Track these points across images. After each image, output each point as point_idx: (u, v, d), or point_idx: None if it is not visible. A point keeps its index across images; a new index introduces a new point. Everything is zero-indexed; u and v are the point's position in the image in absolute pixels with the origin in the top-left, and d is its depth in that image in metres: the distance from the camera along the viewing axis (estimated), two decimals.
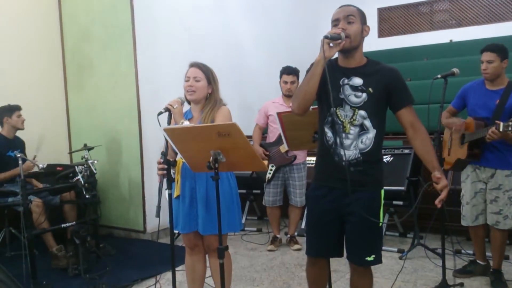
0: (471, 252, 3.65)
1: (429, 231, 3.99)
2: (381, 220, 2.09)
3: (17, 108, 4.01)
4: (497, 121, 2.71)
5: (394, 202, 3.92)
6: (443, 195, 2.00)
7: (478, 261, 3.29)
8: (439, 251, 3.30)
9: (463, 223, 3.21)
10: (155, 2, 4.59)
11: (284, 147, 3.89)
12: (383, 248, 3.93)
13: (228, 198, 2.43)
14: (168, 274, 3.47)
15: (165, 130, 2.09)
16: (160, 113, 2.38)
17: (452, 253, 3.75)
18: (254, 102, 5.61)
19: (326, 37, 1.92)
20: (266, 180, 4.09)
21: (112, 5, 4.53)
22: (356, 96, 2.02)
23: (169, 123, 2.40)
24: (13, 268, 3.10)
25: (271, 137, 4.15)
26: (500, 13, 6.24)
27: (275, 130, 4.04)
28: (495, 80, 3.00)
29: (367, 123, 2.02)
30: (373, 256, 2.09)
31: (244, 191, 4.81)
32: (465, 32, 6.30)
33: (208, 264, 2.68)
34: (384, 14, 7.05)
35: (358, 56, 2.05)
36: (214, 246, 2.48)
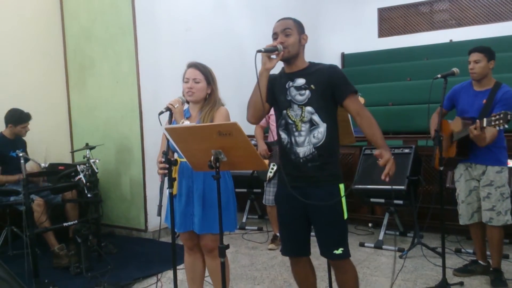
0: (471, 251, 3.66)
1: (429, 230, 4.00)
2: (345, 213, 2.17)
3: (25, 120, 4.00)
4: (478, 120, 2.77)
5: (395, 201, 3.93)
6: (387, 168, 2.07)
7: (479, 261, 3.30)
8: (439, 250, 3.32)
9: (460, 221, 3.25)
10: (156, 2, 4.60)
11: None
12: (383, 247, 3.97)
13: (224, 197, 2.41)
14: (170, 273, 3.48)
15: (167, 129, 2.10)
16: (161, 112, 2.38)
17: (452, 252, 3.77)
18: None
19: (259, 51, 2.06)
20: (268, 179, 4.10)
21: (114, 5, 4.54)
22: (301, 95, 2.17)
23: (170, 122, 2.42)
24: (15, 267, 3.13)
25: (272, 136, 4.16)
26: (500, 12, 6.25)
27: (276, 129, 4.04)
28: (482, 81, 3.07)
29: (316, 118, 2.15)
30: (341, 249, 2.17)
31: (244, 190, 4.83)
32: (465, 32, 6.31)
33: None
34: (384, 14, 7.05)
35: (299, 62, 2.21)
36: (209, 246, 2.50)
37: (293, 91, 2.18)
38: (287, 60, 2.19)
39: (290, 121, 2.19)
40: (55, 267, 3.70)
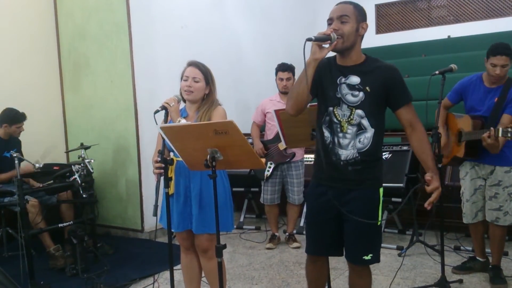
0: (470, 248, 3.64)
1: (428, 228, 3.98)
2: (379, 219, 2.07)
3: (20, 119, 3.96)
4: (492, 128, 2.67)
5: (393, 199, 3.91)
6: (433, 197, 1.97)
7: (477, 257, 3.29)
8: (438, 247, 3.30)
9: (465, 220, 3.20)
10: (151, 0, 4.56)
11: (282, 145, 3.87)
12: (382, 245, 3.93)
13: (221, 197, 2.39)
14: (166, 273, 3.45)
15: (162, 128, 2.07)
16: (157, 111, 2.35)
17: (451, 250, 3.75)
18: (251, 100, 5.59)
19: (309, 39, 1.86)
20: (265, 177, 4.07)
21: (108, 3, 4.49)
22: (353, 95, 1.99)
23: (165, 121, 2.38)
24: (10, 268, 3.08)
25: (269, 135, 4.14)
26: (498, 8, 6.22)
27: (273, 127, 4.02)
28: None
29: (365, 122, 2.00)
30: (371, 255, 2.08)
31: (242, 189, 4.80)
32: (463, 28, 6.28)
33: None
34: (381, 10, 7.02)
35: (355, 54, 2.01)
36: (204, 246, 2.47)
37: (345, 89, 2.00)
38: (340, 52, 1.98)
39: (335, 120, 2.02)
40: (51, 268, 3.66)
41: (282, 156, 4.01)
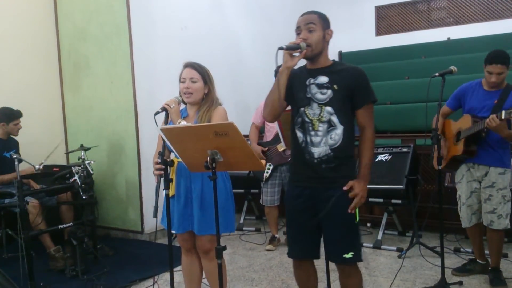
0: (470, 250, 3.64)
1: (428, 229, 3.98)
2: (357, 217, 2.12)
3: (17, 116, 3.97)
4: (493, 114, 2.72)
5: (393, 201, 3.91)
6: (354, 202, 2.07)
7: (477, 260, 3.28)
8: (438, 249, 3.30)
9: (463, 225, 3.20)
10: (151, 1, 4.57)
11: (281, 146, 3.88)
12: (382, 247, 3.95)
13: (223, 198, 2.40)
14: (166, 275, 3.45)
15: (162, 130, 2.08)
16: (157, 112, 2.34)
17: (451, 252, 3.75)
18: (251, 101, 5.59)
19: (281, 48, 1.99)
20: (264, 179, 4.07)
21: (109, 5, 4.50)
22: (322, 93, 2.11)
23: (166, 122, 2.38)
24: (10, 270, 3.09)
25: (268, 136, 4.14)
26: (497, 10, 6.23)
27: (272, 129, 4.02)
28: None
29: (334, 119, 2.09)
30: (351, 253, 2.12)
31: (242, 190, 4.80)
32: (462, 30, 6.29)
33: None
34: (381, 12, 7.03)
35: (323, 59, 2.14)
36: (206, 247, 2.47)
37: (314, 89, 2.11)
38: (310, 58, 2.12)
39: (307, 119, 2.12)
40: (51, 269, 3.66)
41: (281, 158, 4.01)
